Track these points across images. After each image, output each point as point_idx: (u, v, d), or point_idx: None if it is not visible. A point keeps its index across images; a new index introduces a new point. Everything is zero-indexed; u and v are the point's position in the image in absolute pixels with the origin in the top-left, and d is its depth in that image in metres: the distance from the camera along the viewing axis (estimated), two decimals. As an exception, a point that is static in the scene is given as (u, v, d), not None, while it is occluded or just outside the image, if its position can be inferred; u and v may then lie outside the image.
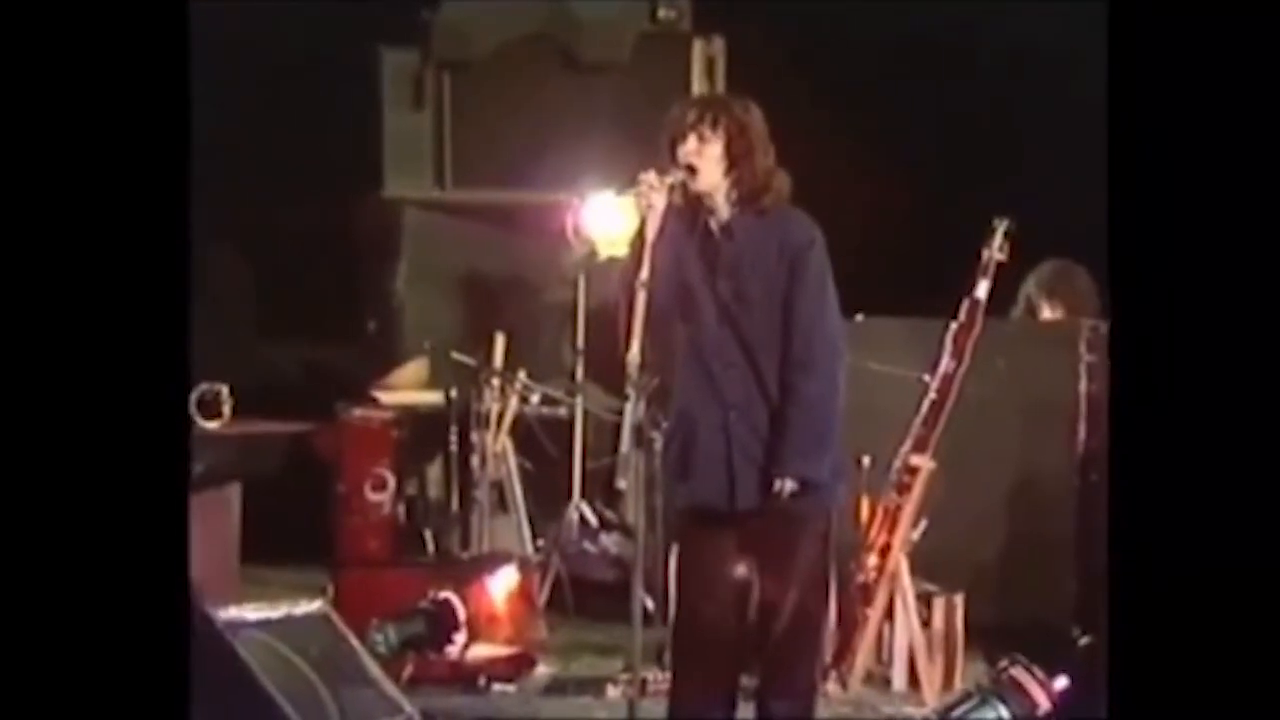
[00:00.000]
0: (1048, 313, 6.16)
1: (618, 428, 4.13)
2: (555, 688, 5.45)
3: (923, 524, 5.31)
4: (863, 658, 5.32)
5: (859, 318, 5.46)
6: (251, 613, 4.38)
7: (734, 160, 4.16)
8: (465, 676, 5.35)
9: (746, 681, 4.30)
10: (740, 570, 4.20)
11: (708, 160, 4.16)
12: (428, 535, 6.19)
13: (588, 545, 6.44)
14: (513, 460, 6.42)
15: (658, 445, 4.05)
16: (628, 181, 4.15)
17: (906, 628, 5.31)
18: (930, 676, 5.30)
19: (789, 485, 4.10)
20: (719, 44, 6.96)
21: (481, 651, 5.41)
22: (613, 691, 5.27)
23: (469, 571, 5.64)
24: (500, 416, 6.29)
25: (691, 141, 4.16)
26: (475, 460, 6.18)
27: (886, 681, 5.38)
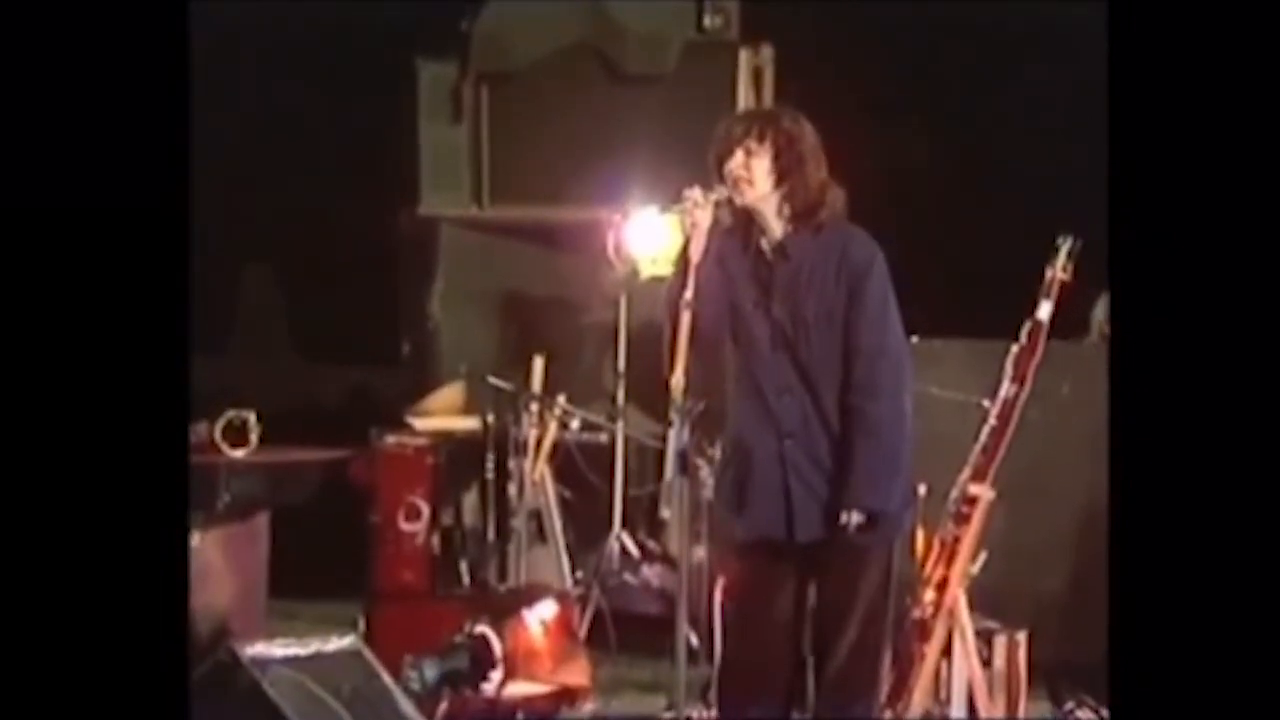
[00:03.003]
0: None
1: (661, 454, 4.11)
2: (596, 727, 5.43)
3: (982, 557, 5.24)
4: (920, 697, 5.25)
5: (914, 339, 5.41)
6: (280, 648, 4.38)
7: (783, 173, 4.13)
8: (502, 715, 5.32)
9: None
10: (796, 605, 4.17)
11: (756, 174, 4.13)
12: (463, 567, 6.18)
13: (629, 577, 6.41)
14: (552, 488, 6.40)
15: (703, 473, 4.03)
16: (672, 197, 4.13)
17: (965, 666, 5.24)
18: (991, 717, 5.23)
19: (855, 518, 4.07)
20: (767, 53, 6.94)
21: (519, 689, 5.39)
22: (656, 730, 5.24)
23: (506, 605, 5.62)
24: (539, 443, 6.27)
25: (738, 156, 4.13)
26: (513, 488, 6.16)
27: (945, 722, 5.32)
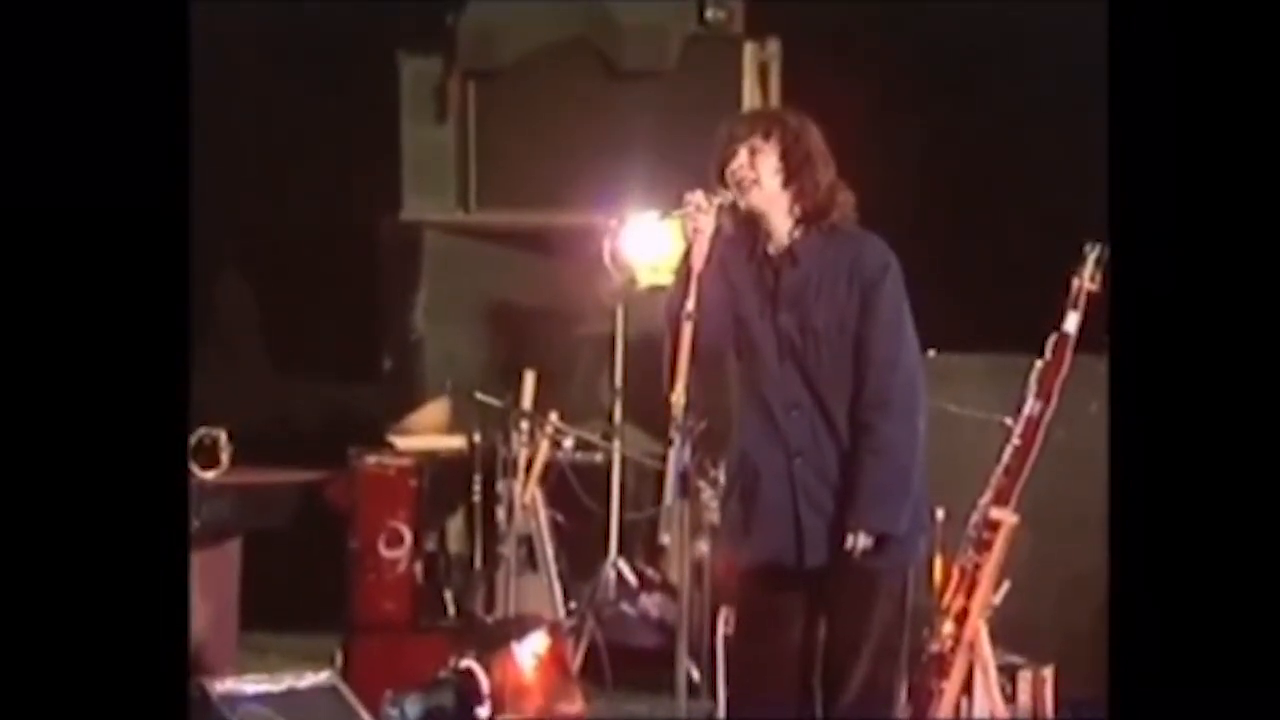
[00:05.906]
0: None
1: (661, 476, 4.08)
2: (590, 767, 5.42)
3: (1005, 586, 5.22)
4: (938, 736, 5.23)
5: (931, 353, 5.39)
6: (252, 684, 4.39)
7: (792, 170, 4.14)
8: (490, 755, 5.32)
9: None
10: (806, 635, 4.16)
11: (763, 172, 4.15)
12: (448, 596, 6.17)
13: (626, 607, 6.41)
14: (543, 512, 6.38)
15: (705, 495, 4.02)
16: (673, 202, 4.14)
17: (987, 703, 5.22)
18: (1014, 758, 5.22)
19: (863, 541, 4.07)
20: (773, 47, 6.93)
21: (508, 727, 5.37)
22: (655, 771, 5.22)
23: (494, 637, 5.61)
24: (530, 463, 6.26)
25: (743, 155, 4.14)
26: (501, 512, 6.15)
27: (965, 763, 5.30)
